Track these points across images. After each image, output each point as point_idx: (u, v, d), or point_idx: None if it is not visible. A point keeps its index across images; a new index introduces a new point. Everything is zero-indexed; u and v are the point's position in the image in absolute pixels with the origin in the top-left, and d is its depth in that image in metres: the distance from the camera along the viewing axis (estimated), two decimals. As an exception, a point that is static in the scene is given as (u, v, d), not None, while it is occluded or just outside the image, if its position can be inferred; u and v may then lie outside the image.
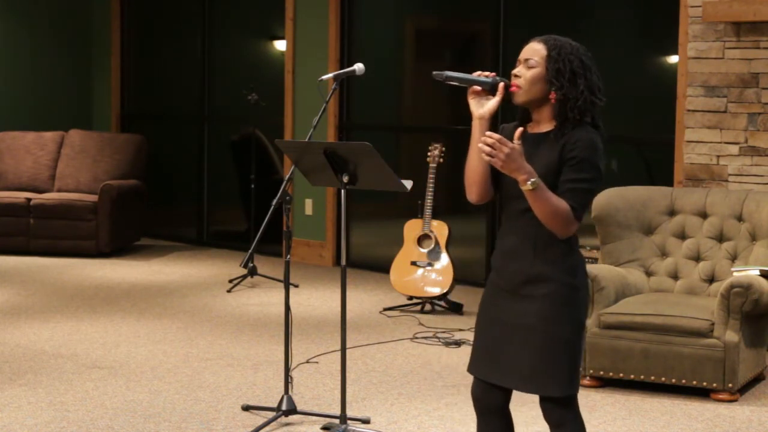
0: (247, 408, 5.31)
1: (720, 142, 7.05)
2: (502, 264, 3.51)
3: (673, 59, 7.41)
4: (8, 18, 10.88)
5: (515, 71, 3.45)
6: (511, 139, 3.43)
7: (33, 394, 5.54)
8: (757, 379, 5.93)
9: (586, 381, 5.82)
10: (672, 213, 6.29)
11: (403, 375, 6.03)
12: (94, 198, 9.73)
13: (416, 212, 7.70)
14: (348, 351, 5.80)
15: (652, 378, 5.69)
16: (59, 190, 10.14)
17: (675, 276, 6.18)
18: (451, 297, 7.67)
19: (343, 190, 4.89)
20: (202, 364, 6.19)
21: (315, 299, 8.06)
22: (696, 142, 7.14)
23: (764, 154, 6.89)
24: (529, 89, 3.42)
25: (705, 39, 7.05)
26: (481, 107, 3.46)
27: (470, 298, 7.73)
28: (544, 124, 3.45)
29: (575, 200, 3.34)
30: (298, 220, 9.57)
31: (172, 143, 11.14)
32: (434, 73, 3.51)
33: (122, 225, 9.84)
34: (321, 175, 4.88)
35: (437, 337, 6.87)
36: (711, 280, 6.10)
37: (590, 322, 5.82)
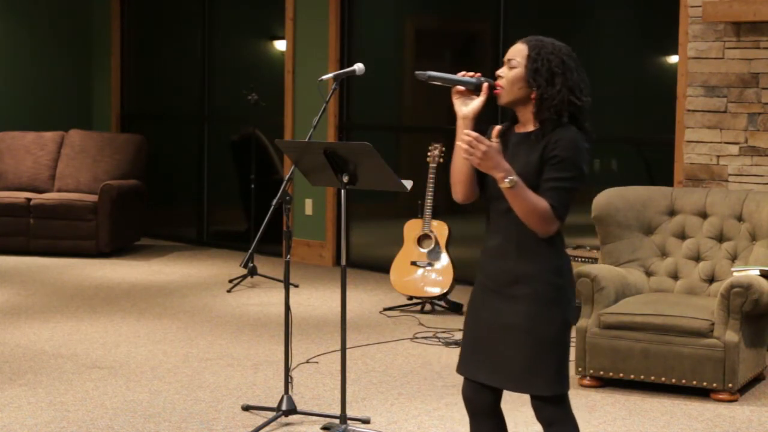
0: (247, 408, 5.31)
1: (720, 142, 7.05)
2: (487, 264, 3.53)
3: (673, 59, 7.41)
4: (8, 18, 10.88)
5: (499, 72, 3.48)
6: (502, 140, 3.46)
7: (33, 394, 5.54)
8: (757, 379, 5.93)
9: (586, 381, 5.83)
10: (672, 213, 6.29)
11: (403, 375, 6.03)
12: (94, 198, 9.73)
13: (416, 212, 7.70)
14: (348, 351, 5.80)
15: (652, 378, 5.69)
16: (59, 190, 10.14)
17: (675, 276, 6.18)
18: (451, 297, 7.67)
19: (343, 190, 4.89)
20: (202, 364, 6.19)
21: (315, 299, 8.06)
22: (696, 142, 7.14)
23: (764, 154, 6.89)
24: (510, 89, 3.44)
25: (705, 39, 7.05)
26: (465, 107, 3.49)
27: (470, 298, 7.73)
28: (528, 125, 3.47)
29: (555, 199, 3.35)
30: (298, 220, 9.57)
31: (172, 143, 11.14)
32: (416, 72, 3.55)
33: (122, 225, 9.84)
34: (321, 175, 4.88)
35: (437, 337, 6.87)
36: (711, 280, 6.10)
37: (590, 322, 5.82)
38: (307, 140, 4.98)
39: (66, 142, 10.36)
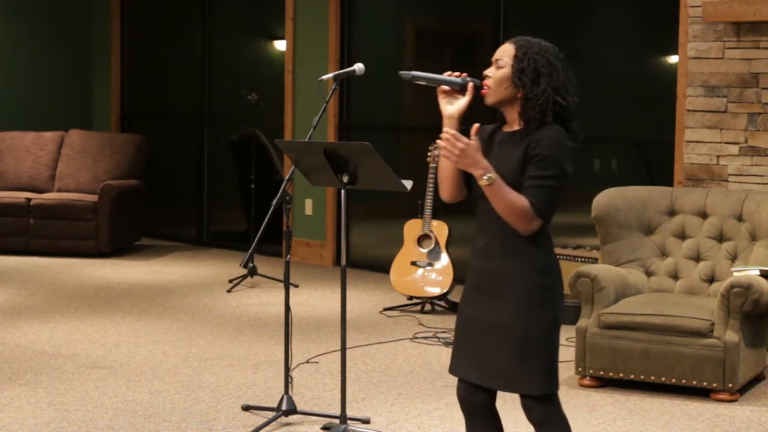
0: (247, 408, 5.31)
1: (720, 142, 7.05)
2: (475, 263, 3.55)
3: (673, 59, 7.41)
4: (8, 18, 10.88)
5: (486, 72, 3.50)
6: (487, 139, 3.47)
7: (33, 394, 5.54)
8: (757, 379, 5.93)
9: (586, 381, 5.83)
10: (672, 213, 6.30)
11: (403, 375, 6.03)
12: (94, 198, 9.73)
13: (416, 212, 7.70)
14: (348, 351, 5.80)
15: (652, 378, 5.69)
16: (59, 190, 10.14)
17: (675, 276, 6.18)
18: (451, 297, 7.67)
19: (343, 190, 4.89)
20: (202, 364, 6.19)
21: (315, 299, 8.06)
22: (696, 142, 7.14)
23: (764, 154, 6.89)
24: (497, 89, 3.46)
25: (705, 39, 7.05)
26: (451, 107, 3.51)
27: (470, 298, 7.72)
28: (514, 124, 3.49)
29: (535, 197, 3.35)
30: (298, 220, 9.57)
31: (172, 143, 11.14)
32: (401, 72, 3.58)
33: (122, 225, 9.84)
34: (321, 175, 4.88)
35: (437, 337, 6.87)
36: (711, 280, 6.10)
37: (590, 322, 5.82)
38: (307, 140, 4.98)
39: (66, 142, 10.36)
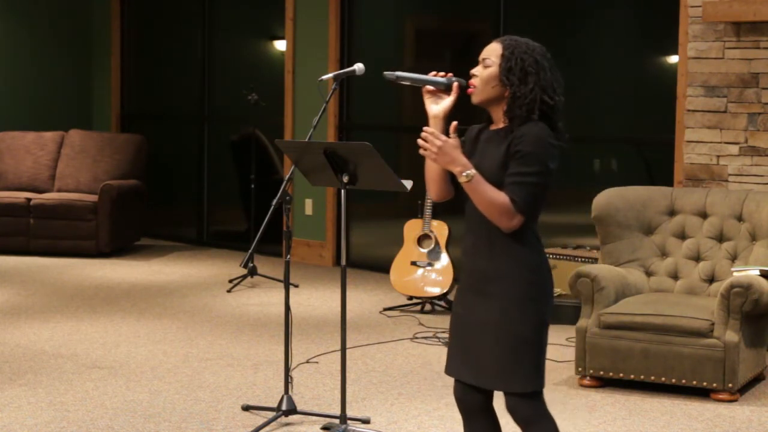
0: (247, 408, 5.31)
1: (720, 142, 7.05)
2: (465, 262, 3.56)
3: (673, 59, 7.41)
4: (8, 18, 10.88)
5: (473, 71, 3.52)
6: (474, 138, 3.49)
7: (33, 394, 5.54)
8: (757, 379, 5.93)
9: (586, 381, 5.83)
10: (672, 213, 6.29)
11: (403, 375, 6.03)
12: (94, 198, 9.73)
13: (416, 212, 7.70)
14: (348, 351, 5.80)
15: (652, 378, 5.69)
16: (59, 190, 10.14)
17: (675, 276, 6.18)
18: (451, 297, 7.67)
19: (343, 190, 4.89)
20: (202, 364, 6.19)
21: (315, 299, 8.06)
22: (696, 142, 7.14)
23: (764, 154, 6.89)
24: (484, 88, 3.48)
25: (705, 39, 7.05)
26: (436, 106, 3.55)
27: (470, 298, 7.72)
28: (500, 123, 3.51)
29: (516, 193, 3.36)
30: (298, 220, 9.57)
31: (172, 143, 11.14)
32: (385, 73, 3.61)
33: (122, 225, 9.84)
34: (321, 175, 4.88)
35: (437, 337, 6.87)
36: (711, 280, 6.10)
37: (590, 322, 5.82)
38: (307, 140, 4.98)
39: (66, 142, 10.36)
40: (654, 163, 7.89)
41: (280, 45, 9.95)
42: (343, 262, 4.93)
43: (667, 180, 7.32)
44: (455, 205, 3.65)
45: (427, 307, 7.68)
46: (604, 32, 8.33)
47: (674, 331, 5.63)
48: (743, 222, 6.11)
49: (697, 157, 7.13)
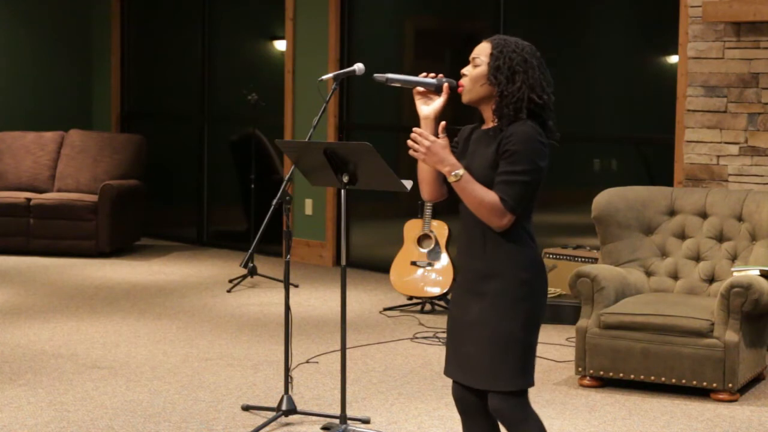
0: (247, 408, 5.31)
1: (720, 142, 7.05)
2: (460, 262, 3.59)
3: (673, 59, 7.41)
4: (8, 18, 10.88)
5: (463, 70, 3.54)
6: (466, 138, 3.50)
7: (33, 394, 5.54)
8: (757, 379, 5.93)
9: (586, 381, 5.83)
10: (672, 213, 6.30)
11: (403, 375, 6.03)
12: (94, 198, 9.73)
13: (416, 212, 7.70)
14: (348, 351, 5.80)
15: (652, 378, 5.69)
16: (59, 190, 10.14)
17: (675, 276, 6.18)
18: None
19: (343, 190, 4.89)
20: (202, 364, 6.19)
21: (315, 299, 8.06)
22: (696, 142, 7.14)
23: (764, 154, 6.89)
24: (473, 88, 3.49)
25: (705, 39, 7.05)
26: (427, 107, 3.58)
27: (470, 298, 7.72)
28: (490, 122, 3.52)
29: (505, 192, 3.37)
30: (298, 220, 9.57)
31: (172, 143, 11.14)
32: (375, 75, 3.66)
33: (122, 225, 9.84)
34: (321, 175, 4.88)
35: (437, 337, 6.87)
36: (711, 280, 6.10)
37: (590, 322, 5.82)
38: (307, 140, 4.98)
39: (66, 142, 10.36)
40: (654, 163, 7.89)
41: (280, 45, 9.95)
42: (343, 262, 4.93)
43: (667, 180, 7.32)
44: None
45: (427, 307, 7.68)
46: (604, 32, 8.33)
47: (674, 331, 5.63)
48: (743, 222, 6.11)
49: (697, 157, 7.13)
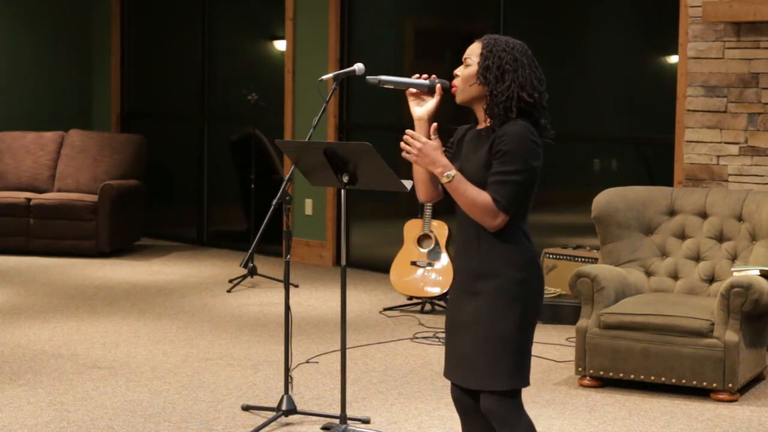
0: (247, 408, 5.31)
1: (720, 142, 7.05)
2: (456, 262, 3.59)
3: (673, 59, 7.41)
4: (8, 18, 10.88)
5: (456, 71, 3.55)
6: (460, 139, 3.51)
7: (33, 394, 5.54)
8: (757, 379, 5.93)
9: (586, 381, 5.83)
10: (672, 213, 6.30)
11: (403, 375, 6.03)
12: (94, 198, 9.73)
13: (416, 212, 7.70)
14: (348, 351, 5.80)
15: (652, 378, 5.69)
16: (59, 190, 10.14)
17: (675, 276, 6.18)
18: (451, 297, 7.66)
19: (343, 190, 4.89)
20: (202, 364, 6.19)
21: (315, 299, 8.06)
22: (696, 142, 7.14)
23: (764, 154, 6.89)
24: (464, 88, 3.50)
25: (705, 39, 7.05)
26: (420, 108, 3.60)
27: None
28: (483, 122, 3.52)
29: (498, 192, 3.37)
30: (298, 220, 9.57)
31: (172, 143, 11.14)
32: (368, 78, 3.67)
33: (122, 225, 9.84)
34: (321, 175, 4.88)
35: (437, 337, 6.87)
36: (711, 280, 6.10)
37: (590, 322, 5.82)
38: (307, 140, 4.98)
39: (66, 142, 10.36)
40: (654, 163, 7.89)
41: (280, 45, 9.95)
42: (343, 262, 4.93)
43: (667, 180, 7.32)
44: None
45: (427, 307, 7.68)
46: (604, 32, 8.33)
47: (674, 331, 5.63)
48: (743, 222, 6.11)
49: (697, 157, 7.13)
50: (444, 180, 3.40)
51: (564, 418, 5.26)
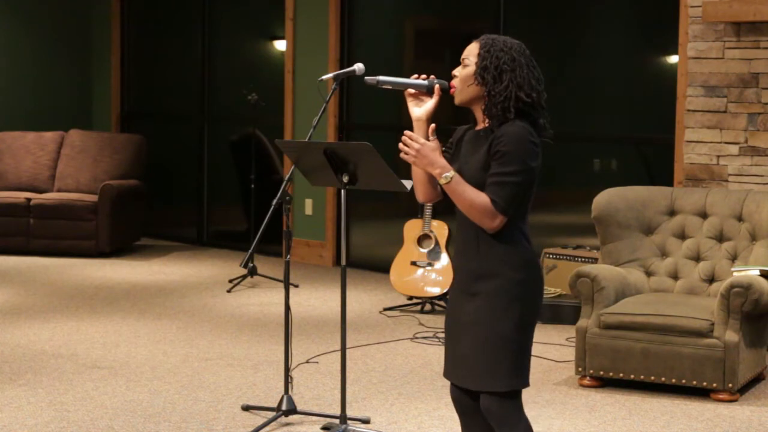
0: (247, 408, 5.31)
1: (720, 142, 7.05)
2: (455, 263, 3.58)
3: (673, 59, 7.41)
4: (8, 18, 10.88)
5: (454, 71, 3.55)
6: (459, 139, 3.50)
7: (33, 394, 5.54)
8: (757, 379, 5.93)
9: (586, 381, 5.83)
10: (672, 213, 6.30)
11: (403, 375, 6.03)
12: (94, 198, 9.73)
13: (416, 212, 7.70)
14: (348, 351, 5.80)
15: (652, 378, 5.69)
16: (59, 190, 10.14)
17: (675, 276, 6.18)
18: (451, 297, 7.66)
19: (343, 190, 4.89)
20: (202, 364, 6.19)
21: (315, 299, 8.06)
22: (696, 142, 7.14)
23: (764, 154, 6.89)
24: (462, 88, 3.50)
25: (705, 39, 7.05)
26: (419, 109, 3.59)
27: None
28: (482, 123, 3.51)
29: (496, 194, 3.36)
30: (298, 220, 9.57)
31: (172, 143, 11.14)
32: (366, 78, 3.67)
33: (122, 225, 9.84)
34: (321, 175, 4.88)
35: (437, 337, 6.87)
36: (711, 280, 6.10)
37: (590, 322, 5.82)
38: (307, 140, 4.98)
39: (66, 142, 10.36)
40: (654, 163, 7.89)
41: (280, 45, 9.95)
42: (343, 262, 4.93)
43: (667, 180, 7.32)
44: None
45: (427, 307, 7.67)
46: (604, 32, 8.33)
47: (674, 331, 5.63)
48: (743, 222, 6.11)
49: (697, 157, 7.13)
50: (442, 181, 3.39)
51: (564, 418, 5.26)
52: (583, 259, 7.40)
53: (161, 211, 11.03)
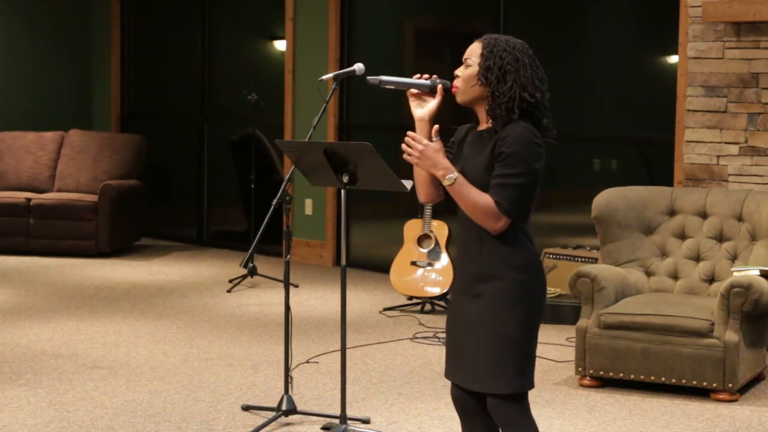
0: (247, 408, 5.31)
1: (720, 142, 7.05)
2: (457, 264, 3.58)
3: (673, 59, 7.41)
4: (8, 18, 10.88)
5: (456, 71, 3.53)
6: (461, 139, 3.49)
7: (33, 394, 5.54)
8: (757, 379, 5.93)
9: (586, 381, 5.83)
10: (672, 213, 6.30)
11: (403, 375, 6.03)
12: (94, 198, 9.73)
13: (416, 212, 7.70)
14: (348, 351, 5.80)
15: (652, 378, 5.69)
16: (59, 190, 10.14)
17: (675, 276, 6.18)
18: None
19: (343, 190, 4.89)
20: (202, 364, 6.19)
21: (315, 299, 8.06)
22: (696, 142, 7.14)
23: (764, 154, 6.89)
24: (465, 88, 3.48)
25: (705, 39, 7.05)
26: (421, 109, 3.57)
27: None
28: (485, 123, 3.50)
29: (500, 195, 3.35)
30: (298, 220, 9.57)
31: (172, 143, 11.14)
32: (368, 78, 3.66)
33: (122, 225, 9.84)
34: (321, 175, 4.88)
35: (437, 337, 6.87)
36: (711, 280, 6.10)
37: (590, 322, 5.82)
38: (307, 140, 4.98)
39: (66, 142, 10.36)
40: (654, 163, 7.89)
41: (280, 45, 9.95)
42: (343, 262, 4.93)
43: (667, 180, 7.32)
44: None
45: (427, 307, 7.67)
46: (604, 32, 8.33)
47: (674, 331, 5.63)
48: (743, 222, 6.11)
49: (697, 157, 7.13)
50: (446, 183, 3.37)
51: (564, 418, 5.26)
52: (583, 259, 7.40)
53: (161, 211, 11.03)
